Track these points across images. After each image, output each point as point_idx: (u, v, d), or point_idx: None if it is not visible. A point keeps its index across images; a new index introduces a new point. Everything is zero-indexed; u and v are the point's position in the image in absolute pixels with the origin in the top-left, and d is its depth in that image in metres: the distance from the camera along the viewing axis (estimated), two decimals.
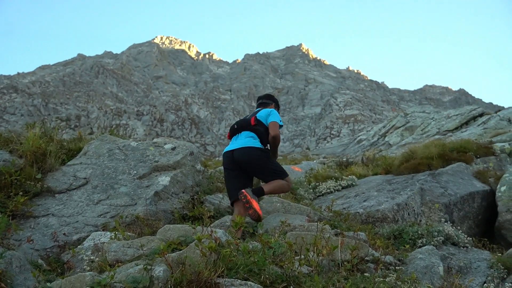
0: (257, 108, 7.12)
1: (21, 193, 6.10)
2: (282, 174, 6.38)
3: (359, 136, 47.61)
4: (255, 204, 5.67)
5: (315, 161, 21.37)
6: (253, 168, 6.29)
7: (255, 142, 6.31)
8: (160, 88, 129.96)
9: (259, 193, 6.00)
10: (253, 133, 6.42)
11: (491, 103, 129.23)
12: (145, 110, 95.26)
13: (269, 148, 6.62)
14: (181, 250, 3.86)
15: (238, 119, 7.03)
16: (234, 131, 6.56)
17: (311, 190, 10.90)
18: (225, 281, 3.19)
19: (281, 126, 6.61)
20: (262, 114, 6.60)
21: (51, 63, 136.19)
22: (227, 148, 6.44)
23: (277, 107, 7.17)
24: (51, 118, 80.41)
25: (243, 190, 5.68)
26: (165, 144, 7.90)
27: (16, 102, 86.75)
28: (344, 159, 17.65)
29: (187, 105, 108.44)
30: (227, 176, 6.40)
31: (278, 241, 4.19)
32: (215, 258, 3.42)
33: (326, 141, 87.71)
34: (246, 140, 6.32)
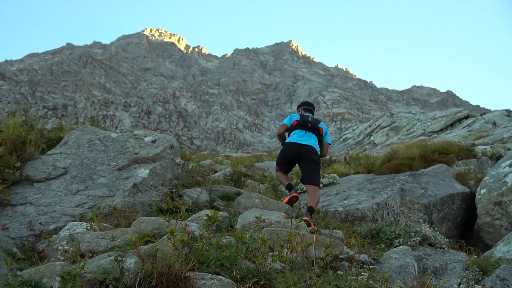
0: (305, 112, 8.66)
1: None
2: (318, 182, 7.99)
3: (345, 134, 47.55)
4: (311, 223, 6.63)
5: None
6: (310, 164, 7.84)
7: (318, 148, 8.10)
8: (148, 80, 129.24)
9: (312, 212, 7.23)
10: (317, 140, 8.13)
11: (478, 106, 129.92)
12: (133, 102, 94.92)
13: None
14: (154, 242, 3.86)
15: (307, 117, 8.35)
16: (305, 127, 8.11)
17: None
18: (195, 274, 3.20)
19: (329, 145, 8.62)
20: (324, 130, 8.31)
21: (40, 52, 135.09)
22: (297, 140, 7.97)
23: None
24: (38, 106, 79.86)
25: (305, 218, 6.61)
26: (146, 136, 7.86)
27: (3, 90, 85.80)
28: (327, 157, 17.69)
29: (175, 98, 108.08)
30: (287, 157, 8.07)
31: (252, 237, 4.20)
32: (187, 251, 3.42)
33: None
34: (315, 143, 8.03)
